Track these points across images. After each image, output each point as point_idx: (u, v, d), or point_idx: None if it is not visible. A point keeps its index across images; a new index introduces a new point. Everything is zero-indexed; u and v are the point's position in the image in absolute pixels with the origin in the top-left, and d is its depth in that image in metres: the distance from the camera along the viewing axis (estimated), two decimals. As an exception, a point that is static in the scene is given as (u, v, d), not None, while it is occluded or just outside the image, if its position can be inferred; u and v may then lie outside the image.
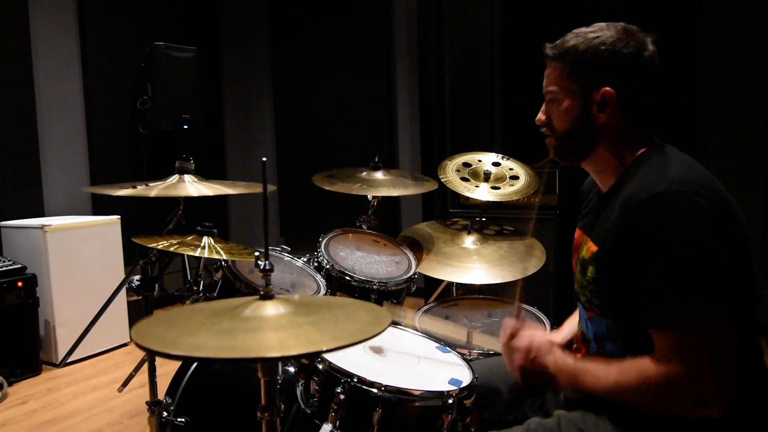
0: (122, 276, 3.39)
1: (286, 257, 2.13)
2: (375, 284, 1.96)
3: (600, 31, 1.19)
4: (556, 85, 1.24)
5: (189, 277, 4.27)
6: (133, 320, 3.62)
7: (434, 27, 4.25)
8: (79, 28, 4.00)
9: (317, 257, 2.05)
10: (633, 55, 1.16)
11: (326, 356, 1.36)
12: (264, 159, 1.04)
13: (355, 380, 1.30)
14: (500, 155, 2.32)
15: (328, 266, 1.99)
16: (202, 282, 2.20)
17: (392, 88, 4.59)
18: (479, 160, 2.30)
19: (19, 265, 3.10)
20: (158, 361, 1.77)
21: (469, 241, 2.17)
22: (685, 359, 1.03)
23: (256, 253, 1.70)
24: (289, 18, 5.07)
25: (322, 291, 1.95)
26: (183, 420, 1.68)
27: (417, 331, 1.68)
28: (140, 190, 1.74)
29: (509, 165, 2.28)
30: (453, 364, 1.50)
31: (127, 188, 1.76)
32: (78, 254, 3.34)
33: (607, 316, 1.22)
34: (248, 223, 5.38)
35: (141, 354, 1.97)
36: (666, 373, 1.05)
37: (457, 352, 1.59)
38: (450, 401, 1.30)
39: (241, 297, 1.06)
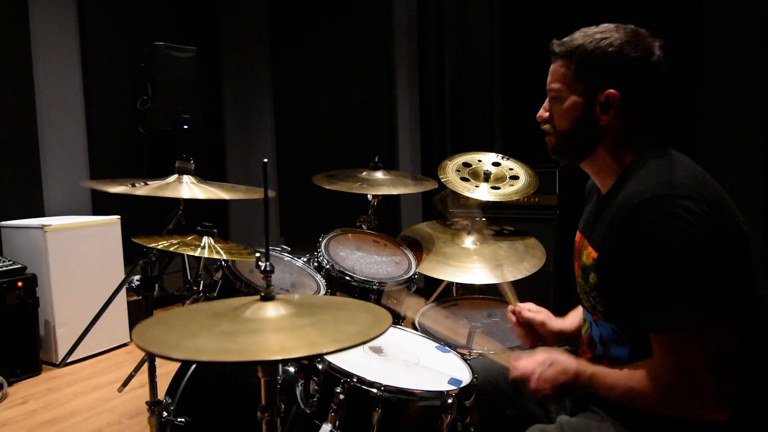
0: (122, 276, 3.39)
1: (286, 257, 2.13)
2: (375, 284, 1.96)
3: (608, 33, 1.18)
4: (561, 82, 1.23)
5: (189, 277, 4.27)
6: (133, 320, 3.62)
7: (434, 27, 4.25)
8: (79, 28, 4.00)
9: (317, 257, 2.05)
10: (640, 59, 1.16)
11: (326, 356, 1.36)
12: (265, 160, 1.03)
13: (355, 380, 1.30)
14: (500, 155, 2.32)
15: (328, 266, 1.99)
16: (202, 282, 2.20)
17: (392, 88, 4.59)
18: (479, 160, 2.30)
19: (19, 265, 3.10)
20: (158, 361, 1.77)
21: (469, 241, 2.17)
22: (682, 362, 1.03)
23: (257, 254, 1.70)
24: (289, 18, 5.07)
25: (322, 291, 1.95)
26: (183, 420, 1.68)
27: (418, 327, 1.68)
28: (135, 188, 1.73)
29: (509, 165, 2.28)
30: (452, 364, 1.51)
31: (126, 185, 1.76)
32: (78, 254, 3.34)
33: (611, 321, 1.22)
34: (248, 223, 5.38)
35: (141, 354, 1.97)
36: (666, 377, 1.05)
37: (457, 352, 1.59)
38: (449, 401, 1.30)
39: (242, 297, 1.06)
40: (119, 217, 3.59)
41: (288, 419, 1.48)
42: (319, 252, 2.05)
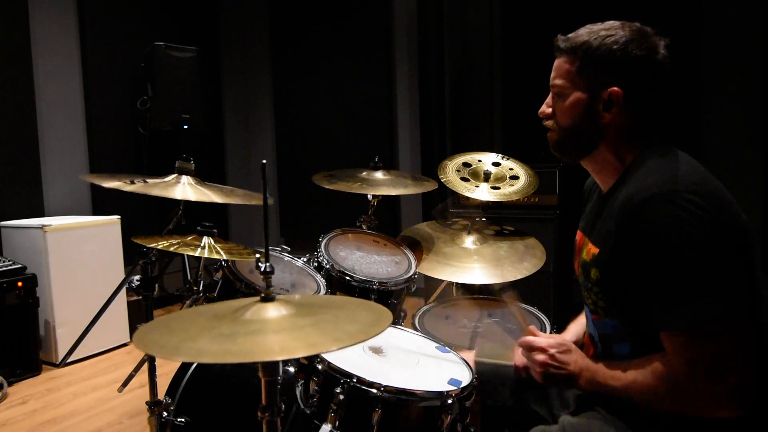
0: (122, 276, 3.39)
1: (286, 257, 2.13)
2: (375, 284, 1.95)
3: (614, 30, 1.18)
4: (565, 78, 1.23)
5: (189, 277, 4.27)
6: (133, 320, 3.62)
7: (434, 27, 4.26)
8: (79, 28, 4.00)
9: (317, 257, 2.05)
10: (644, 58, 1.16)
11: (326, 356, 1.36)
12: (264, 161, 1.03)
13: (355, 380, 1.30)
14: (500, 155, 2.32)
15: (328, 266, 1.99)
16: (202, 282, 2.20)
17: (392, 88, 4.59)
18: (479, 160, 2.30)
19: (19, 265, 3.10)
20: (158, 361, 1.77)
21: (469, 241, 2.17)
22: (694, 359, 1.03)
23: (257, 254, 1.70)
24: (289, 18, 5.07)
25: (322, 291, 1.95)
26: (183, 420, 1.68)
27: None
28: (126, 184, 1.71)
29: (509, 165, 2.28)
30: (452, 364, 1.50)
31: (120, 181, 1.74)
32: (78, 254, 3.34)
33: (613, 317, 1.21)
34: (248, 223, 5.38)
35: (141, 354, 1.97)
36: (678, 373, 1.04)
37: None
38: (449, 401, 1.30)
39: (242, 298, 1.06)
40: (119, 217, 3.58)
41: (288, 419, 1.48)
42: (319, 252, 2.05)
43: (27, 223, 3.35)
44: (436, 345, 1.62)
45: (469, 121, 4.20)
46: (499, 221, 2.30)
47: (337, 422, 1.29)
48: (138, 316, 3.55)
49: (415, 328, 1.91)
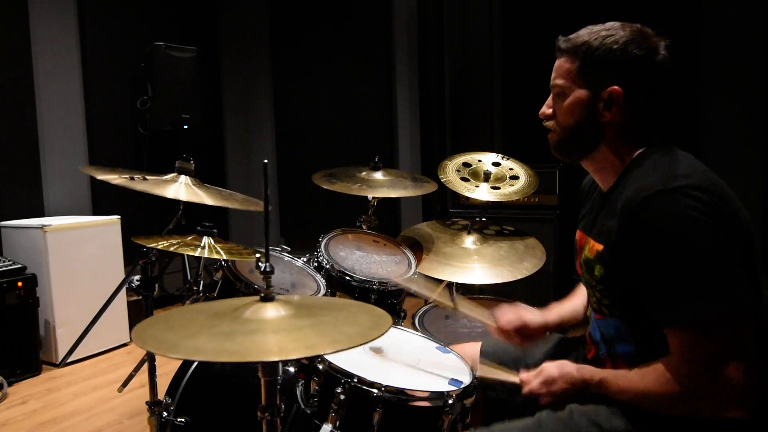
0: (122, 276, 3.40)
1: (286, 257, 2.13)
2: (375, 284, 1.96)
3: (614, 30, 1.19)
4: (565, 78, 1.24)
5: (189, 277, 4.27)
6: (133, 320, 3.62)
7: (434, 27, 4.26)
8: (79, 28, 4.00)
9: (317, 257, 2.05)
10: (644, 57, 1.16)
11: (326, 357, 1.36)
12: (266, 161, 1.03)
13: (355, 380, 1.30)
14: (500, 155, 2.32)
15: (328, 266, 1.99)
16: (202, 282, 2.21)
17: (392, 88, 4.59)
18: (479, 160, 2.30)
19: (19, 265, 3.10)
20: (158, 361, 1.77)
21: (469, 241, 2.17)
22: (697, 358, 1.02)
23: (257, 254, 1.70)
24: (289, 18, 5.07)
25: (322, 291, 1.95)
26: (183, 420, 1.68)
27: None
28: (132, 182, 1.71)
29: (509, 165, 2.28)
30: (453, 364, 1.50)
31: (115, 175, 1.74)
32: (78, 254, 3.34)
33: (616, 316, 1.21)
34: (248, 223, 5.38)
35: (141, 354, 1.97)
36: (682, 374, 1.04)
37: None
38: (450, 402, 1.30)
39: (242, 297, 1.06)
40: (119, 217, 3.58)
41: (288, 419, 1.48)
42: (319, 252, 2.05)
43: (27, 223, 3.35)
44: (436, 345, 1.62)
45: (469, 121, 4.20)
46: (499, 221, 2.30)
47: (337, 422, 1.29)
48: (138, 316, 3.54)
49: (415, 328, 1.91)
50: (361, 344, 0.87)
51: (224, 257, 1.75)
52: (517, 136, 3.86)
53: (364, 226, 2.33)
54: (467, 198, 2.22)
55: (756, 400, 1.02)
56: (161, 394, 1.74)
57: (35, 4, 3.72)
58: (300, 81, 5.05)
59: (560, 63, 1.25)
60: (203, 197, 1.79)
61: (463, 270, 2.03)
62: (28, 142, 3.70)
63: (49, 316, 3.23)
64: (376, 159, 2.40)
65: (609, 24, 1.21)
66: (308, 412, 1.38)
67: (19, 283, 3.05)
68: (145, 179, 1.77)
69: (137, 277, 1.75)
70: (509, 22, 3.95)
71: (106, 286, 3.23)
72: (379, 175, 2.36)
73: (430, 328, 1.99)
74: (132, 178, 1.73)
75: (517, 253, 2.09)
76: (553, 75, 1.27)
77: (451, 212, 3.59)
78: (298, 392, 1.47)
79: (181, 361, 1.79)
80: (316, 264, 2.07)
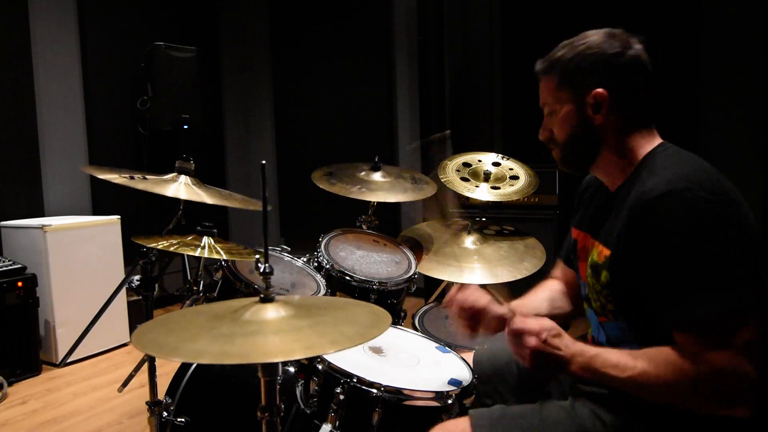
0: (122, 276, 3.39)
1: (286, 257, 2.13)
2: (375, 284, 1.96)
3: (585, 38, 1.22)
4: (550, 96, 1.26)
5: (189, 277, 4.27)
6: (133, 320, 3.62)
7: (434, 27, 4.26)
8: (79, 28, 4.00)
9: (317, 257, 2.05)
10: (618, 55, 1.18)
11: (326, 356, 1.36)
12: (263, 162, 1.03)
13: (355, 380, 1.30)
14: (500, 155, 2.32)
15: (328, 266, 1.99)
16: (202, 282, 2.21)
17: (392, 88, 4.59)
18: (479, 160, 2.30)
19: (19, 265, 3.10)
20: (158, 361, 1.77)
21: (469, 241, 2.17)
22: (707, 356, 1.02)
23: (257, 255, 1.70)
24: (289, 18, 5.07)
25: (322, 291, 1.95)
26: (183, 420, 1.68)
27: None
28: (133, 181, 1.71)
29: (509, 165, 2.28)
30: (452, 364, 1.50)
31: (115, 174, 1.73)
32: (78, 254, 3.34)
33: (621, 320, 1.21)
34: (248, 223, 5.38)
35: (141, 354, 1.97)
36: (692, 371, 1.03)
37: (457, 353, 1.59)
38: (450, 401, 1.30)
39: (242, 298, 1.06)
40: (119, 217, 3.58)
41: (288, 419, 1.48)
42: (319, 252, 2.05)
43: (27, 223, 3.35)
44: (436, 345, 1.62)
45: (469, 121, 4.20)
46: (499, 221, 2.30)
47: (337, 422, 1.29)
48: (138, 316, 3.55)
49: (415, 328, 1.91)
50: (360, 343, 0.87)
51: (224, 257, 1.75)
52: (517, 136, 3.85)
53: (364, 226, 2.33)
54: (467, 198, 2.21)
55: (761, 398, 1.02)
56: (161, 394, 1.74)
57: (35, 4, 3.73)
58: (300, 81, 5.05)
59: (543, 84, 1.28)
60: (203, 197, 1.80)
61: (463, 270, 2.03)
62: (28, 142, 3.70)
63: (49, 316, 3.23)
64: (376, 159, 2.40)
65: (580, 35, 1.24)
66: (308, 412, 1.38)
67: (19, 283, 3.05)
68: (145, 179, 1.77)
69: (137, 277, 1.75)
70: (509, 22, 3.95)
71: (106, 286, 3.23)
72: (378, 176, 2.35)
73: (429, 328, 1.99)
74: (132, 178, 1.73)
75: (517, 253, 2.09)
76: (540, 99, 1.30)
77: (451, 212, 3.59)
78: (297, 392, 1.47)
79: (179, 362, 1.79)
80: (316, 264, 2.07)
